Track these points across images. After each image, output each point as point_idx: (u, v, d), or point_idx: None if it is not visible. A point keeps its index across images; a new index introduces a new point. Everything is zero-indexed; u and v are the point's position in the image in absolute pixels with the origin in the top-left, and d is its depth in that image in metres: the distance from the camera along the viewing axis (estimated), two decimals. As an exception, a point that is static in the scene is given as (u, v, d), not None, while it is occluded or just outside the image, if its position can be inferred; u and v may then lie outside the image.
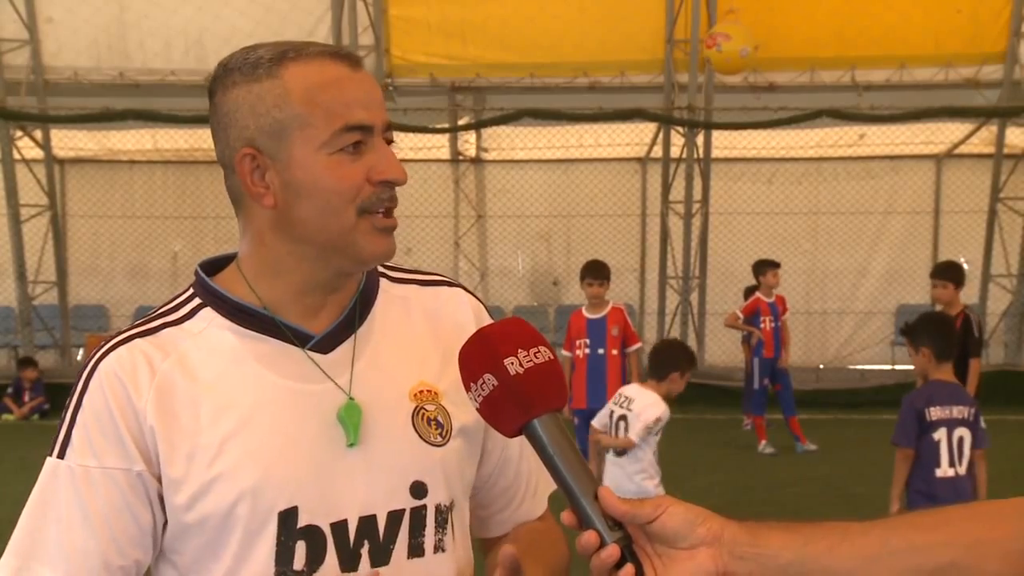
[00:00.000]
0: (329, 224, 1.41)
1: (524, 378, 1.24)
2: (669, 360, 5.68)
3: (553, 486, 1.33)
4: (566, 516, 1.24)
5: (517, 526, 1.65)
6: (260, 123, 1.41)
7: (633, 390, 5.81)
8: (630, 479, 5.61)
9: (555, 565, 1.56)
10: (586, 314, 8.07)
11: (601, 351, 7.97)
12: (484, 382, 1.25)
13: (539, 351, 1.27)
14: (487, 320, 1.58)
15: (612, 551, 1.19)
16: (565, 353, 8.12)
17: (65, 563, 1.39)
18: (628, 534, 1.21)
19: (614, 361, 8.00)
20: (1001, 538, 1.18)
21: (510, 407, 1.25)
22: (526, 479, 1.65)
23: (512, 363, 1.24)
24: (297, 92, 1.39)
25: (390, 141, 1.46)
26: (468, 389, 1.28)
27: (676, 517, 1.20)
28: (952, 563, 1.18)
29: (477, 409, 1.28)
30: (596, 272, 8.09)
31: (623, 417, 5.65)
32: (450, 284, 1.63)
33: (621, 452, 5.66)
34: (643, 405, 5.60)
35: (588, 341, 8.00)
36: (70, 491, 1.40)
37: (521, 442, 1.29)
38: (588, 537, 1.20)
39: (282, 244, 1.45)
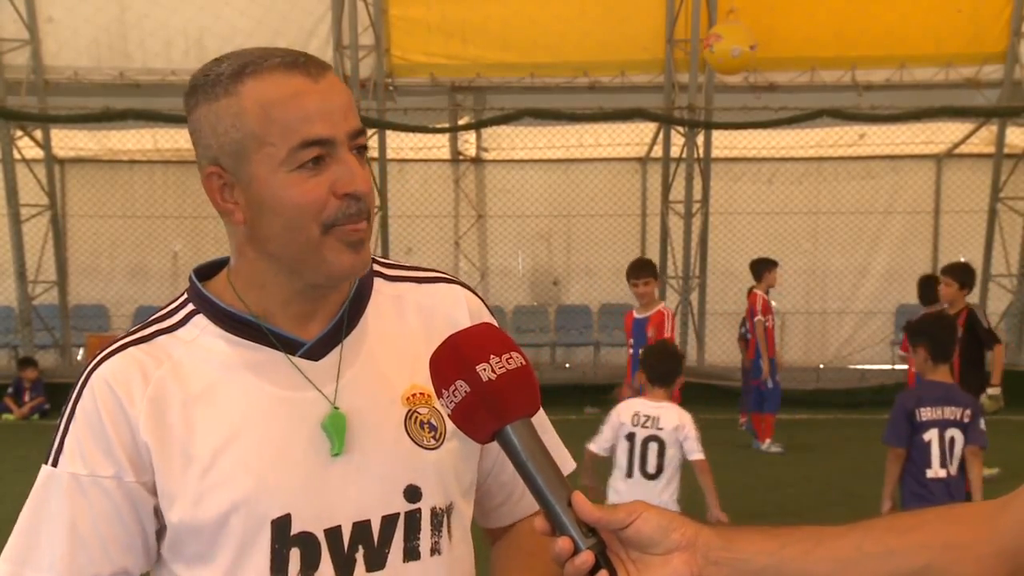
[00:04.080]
0: (295, 240, 1.40)
1: (497, 384, 1.23)
2: (674, 367, 5.52)
3: None
4: (539, 523, 1.24)
5: (519, 523, 1.64)
6: (220, 142, 1.40)
7: (650, 407, 5.36)
8: (668, 505, 5.03)
9: (551, 567, 1.55)
10: (635, 314, 8.02)
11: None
12: (456, 389, 1.25)
13: (511, 357, 1.26)
14: (487, 318, 1.56)
15: (586, 557, 1.19)
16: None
17: (54, 571, 1.41)
18: (602, 540, 1.21)
19: None
20: (975, 541, 1.18)
21: (483, 414, 1.24)
22: None
23: (484, 369, 1.24)
24: (253, 110, 1.37)
25: (363, 147, 1.43)
26: (440, 396, 1.28)
27: (650, 523, 1.20)
28: (927, 566, 1.19)
29: (449, 416, 1.28)
30: (636, 271, 7.95)
31: (653, 438, 5.22)
32: (448, 281, 1.60)
33: (655, 474, 5.23)
34: (675, 419, 5.25)
35: (632, 341, 7.96)
36: (61, 499, 1.42)
37: None
38: (562, 544, 1.20)
39: (258, 258, 1.45)
